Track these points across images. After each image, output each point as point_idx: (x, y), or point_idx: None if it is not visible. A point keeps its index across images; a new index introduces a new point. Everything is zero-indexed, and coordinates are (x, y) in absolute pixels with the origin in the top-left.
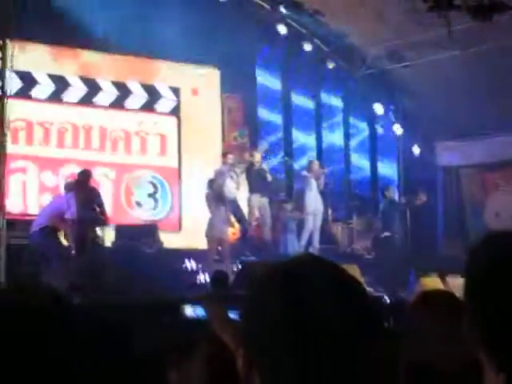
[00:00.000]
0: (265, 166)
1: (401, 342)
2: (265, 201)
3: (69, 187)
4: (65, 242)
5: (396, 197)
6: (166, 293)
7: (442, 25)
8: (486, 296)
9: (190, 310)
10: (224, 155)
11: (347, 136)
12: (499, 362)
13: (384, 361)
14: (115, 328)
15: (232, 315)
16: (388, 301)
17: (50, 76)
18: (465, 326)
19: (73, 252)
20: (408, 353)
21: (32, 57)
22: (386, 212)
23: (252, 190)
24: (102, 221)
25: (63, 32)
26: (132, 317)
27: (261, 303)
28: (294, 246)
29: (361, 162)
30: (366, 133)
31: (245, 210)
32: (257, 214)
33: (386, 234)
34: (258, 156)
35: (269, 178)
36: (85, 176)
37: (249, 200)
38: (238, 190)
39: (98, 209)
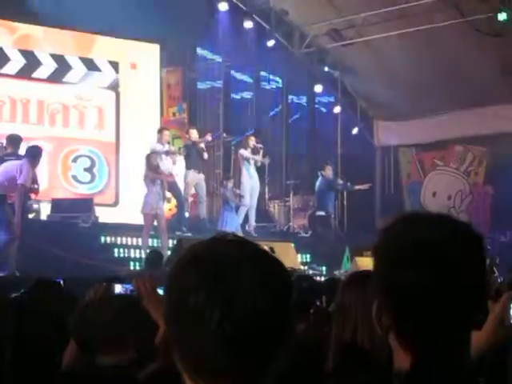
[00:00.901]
0: (201, 144)
1: (331, 320)
2: (201, 177)
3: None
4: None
5: (332, 176)
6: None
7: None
8: (393, 283)
9: (119, 287)
10: (160, 131)
11: (287, 114)
12: (407, 347)
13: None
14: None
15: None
16: (322, 280)
17: None
18: (374, 311)
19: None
20: (337, 332)
21: None
22: (321, 191)
23: (188, 167)
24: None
25: (2, 5)
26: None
27: (177, 280)
28: (233, 223)
29: (299, 140)
30: (305, 111)
31: (181, 186)
32: (193, 190)
33: (321, 213)
34: (194, 133)
35: (205, 156)
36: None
37: (185, 176)
38: (175, 165)
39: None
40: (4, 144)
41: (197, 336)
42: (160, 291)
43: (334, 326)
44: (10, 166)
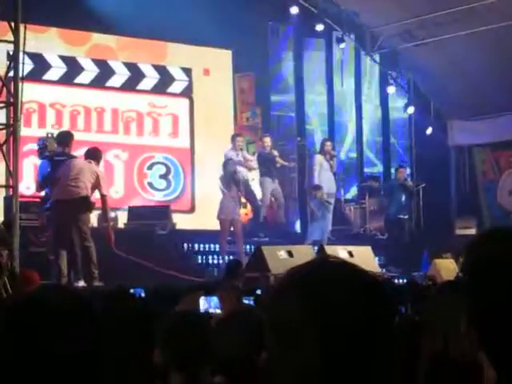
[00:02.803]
0: (275, 152)
1: (421, 331)
2: (276, 184)
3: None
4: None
5: (408, 177)
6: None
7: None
8: (484, 296)
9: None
10: (233, 137)
11: (360, 117)
12: (495, 362)
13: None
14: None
15: (246, 301)
16: (402, 282)
17: (62, 58)
18: (463, 324)
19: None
20: (428, 343)
21: (43, 40)
22: (392, 193)
23: (262, 174)
24: None
25: (74, 15)
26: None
27: (280, 304)
28: (323, 234)
29: (374, 142)
30: (379, 113)
31: (257, 191)
32: (269, 196)
33: (395, 215)
34: (267, 140)
35: (278, 164)
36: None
37: (261, 183)
38: (250, 171)
39: None
40: (47, 142)
41: (295, 360)
42: (245, 301)
43: (424, 337)
44: (86, 168)
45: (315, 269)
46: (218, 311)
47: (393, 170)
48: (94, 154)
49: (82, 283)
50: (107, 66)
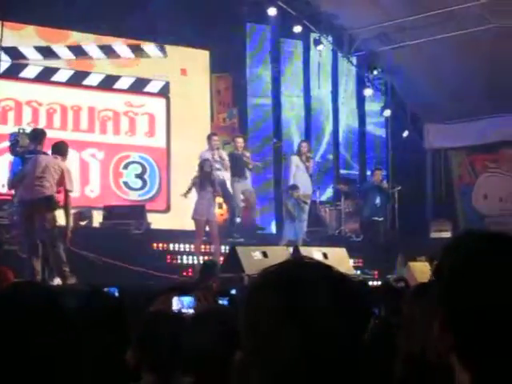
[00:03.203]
0: (247, 153)
1: (396, 332)
2: (248, 184)
3: None
4: None
5: (384, 180)
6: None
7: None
8: (457, 299)
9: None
10: (209, 137)
11: (336, 119)
12: (468, 365)
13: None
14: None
15: (220, 301)
16: (377, 284)
17: (39, 51)
18: (436, 329)
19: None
20: (404, 343)
21: (21, 37)
22: (368, 195)
23: (234, 174)
24: None
25: (53, 13)
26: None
27: (254, 303)
28: (297, 234)
29: (350, 144)
30: (356, 115)
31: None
32: (241, 196)
33: (370, 217)
34: (240, 141)
35: (250, 165)
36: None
37: (232, 183)
38: (226, 171)
39: None
40: (18, 137)
41: (274, 359)
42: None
43: (400, 338)
44: (51, 164)
45: (291, 269)
46: (191, 311)
47: (369, 172)
48: (60, 149)
49: (56, 281)
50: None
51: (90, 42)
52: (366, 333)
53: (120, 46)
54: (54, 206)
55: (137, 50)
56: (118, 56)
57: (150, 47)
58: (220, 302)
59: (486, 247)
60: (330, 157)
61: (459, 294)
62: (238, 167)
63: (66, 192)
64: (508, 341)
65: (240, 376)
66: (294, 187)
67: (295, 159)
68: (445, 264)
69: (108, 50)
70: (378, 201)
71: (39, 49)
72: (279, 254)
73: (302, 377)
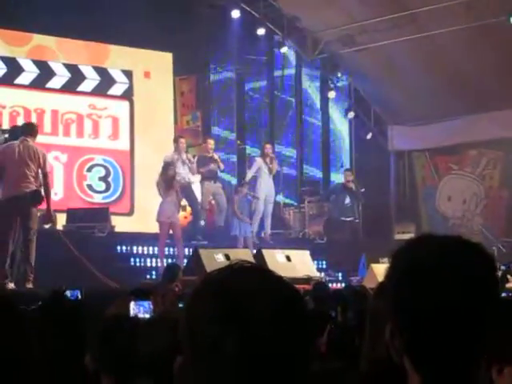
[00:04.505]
0: (216, 155)
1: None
2: (218, 186)
3: None
4: None
5: (348, 182)
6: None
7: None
8: (404, 305)
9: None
10: (176, 140)
11: (300, 120)
12: (420, 367)
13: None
14: None
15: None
16: (340, 287)
17: (1, 58)
18: (387, 332)
19: None
20: (367, 346)
21: None
22: (336, 197)
23: (204, 177)
24: None
25: (14, 15)
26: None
27: (194, 309)
28: (245, 231)
29: (315, 146)
30: (320, 117)
31: (198, 194)
32: (211, 199)
33: (336, 219)
34: (211, 142)
35: (221, 166)
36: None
37: (202, 185)
38: (193, 174)
39: None
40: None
41: (212, 366)
42: (181, 305)
43: (366, 337)
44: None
45: (230, 274)
46: (147, 316)
47: (333, 174)
48: (31, 130)
49: (11, 285)
50: (48, 67)
51: (57, 58)
52: (305, 340)
53: (86, 67)
54: (40, 201)
55: (103, 74)
56: (83, 77)
57: (115, 71)
58: (181, 305)
59: (433, 252)
60: (294, 159)
61: (406, 298)
62: (208, 170)
63: (46, 174)
64: (453, 343)
65: (181, 381)
66: (243, 184)
67: (258, 161)
68: (393, 269)
69: (73, 69)
70: (347, 201)
71: (3, 58)
72: (242, 256)
73: (241, 383)
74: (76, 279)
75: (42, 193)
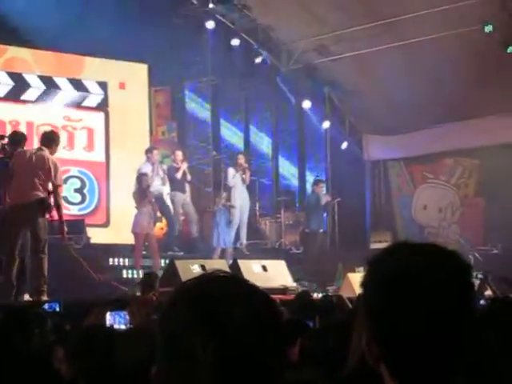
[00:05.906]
0: (184, 166)
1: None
2: (187, 197)
3: None
4: None
5: (322, 192)
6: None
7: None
8: (377, 313)
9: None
10: (148, 151)
11: (276, 130)
12: (397, 375)
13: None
14: None
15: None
16: (316, 296)
17: None
18: (364, 340)
19: None
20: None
21: None
22: (311, 207)
23: (173, 188)
24: None
25: None
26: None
27: (169, 318)
28: (225, 241)
29: (289, 156)
30: (295, 127)
31: (170, 206)
32: (181, 210)
33: (311, 229)
34: (179, 154)
35: (188, 177)
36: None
37: (172, 196)
38: (165, 185)
39: None
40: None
41: (188, 373)
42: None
43: (353, 336)
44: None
45: (204, 283)
46: (123, 327)
47: (308, 185)
48: (48, 139)
49: (26, 297)
50: (22, 79)
51: (31, 70)
52: (279, 348)
53: (61, 79)
54: (48, 209)
55: (78, 86)
56: (58, 89)
57: (90, 83)
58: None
59: (409, 260)
60: (270, 169)
61: (381, 308)
62: (177, 181)
63: (57, 187)
64: (430, 351)
65: None
66: (218, 194)
67: (232, 171)
68: (369, 278)
69: (48, 81)
70: (317, 212)
71: None
72: (218, 266)
73: None
74: (54, 291)
75: (50, 201)
